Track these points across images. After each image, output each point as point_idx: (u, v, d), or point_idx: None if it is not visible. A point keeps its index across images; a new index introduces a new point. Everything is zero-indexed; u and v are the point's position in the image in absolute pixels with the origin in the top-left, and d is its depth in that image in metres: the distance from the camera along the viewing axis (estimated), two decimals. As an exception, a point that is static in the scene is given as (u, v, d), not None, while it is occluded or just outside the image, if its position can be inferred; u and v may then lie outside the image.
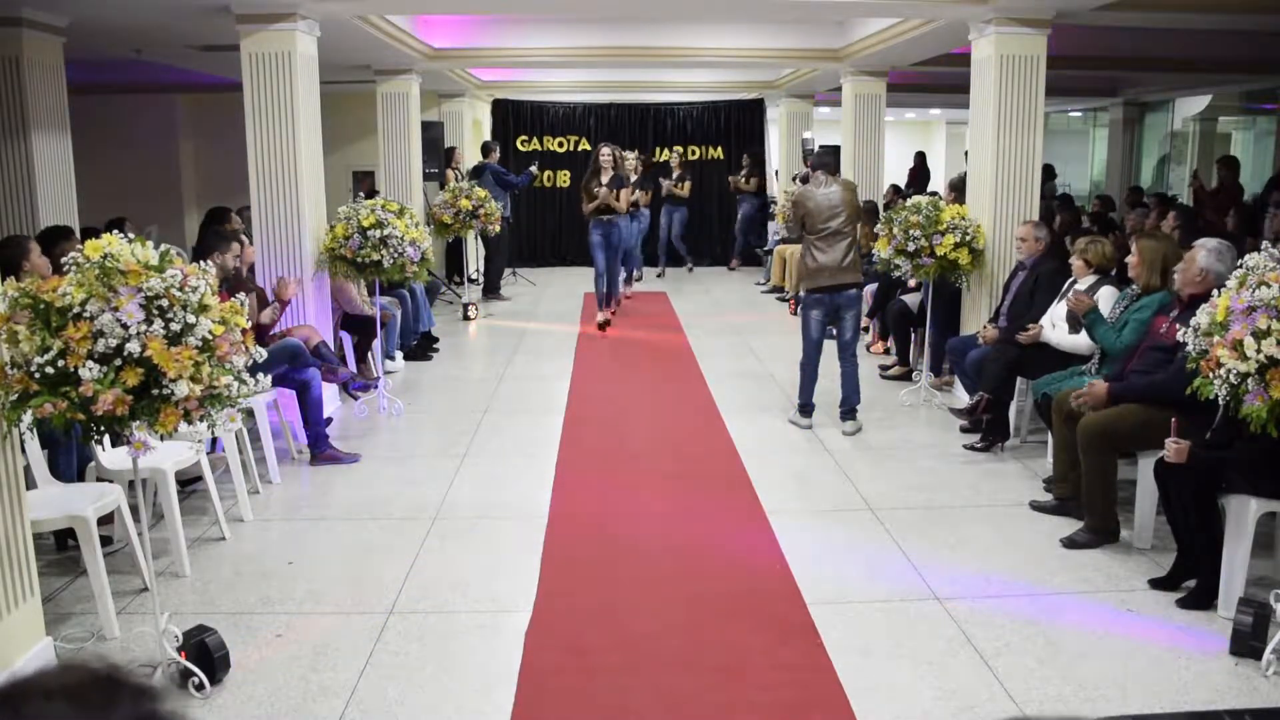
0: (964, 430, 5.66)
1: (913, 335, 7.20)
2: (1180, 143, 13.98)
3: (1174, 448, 3.46)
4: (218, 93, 10.44)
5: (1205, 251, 3.89)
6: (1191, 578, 3.60)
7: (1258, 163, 12.68)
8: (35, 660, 3.04)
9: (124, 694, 0.52)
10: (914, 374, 6.89)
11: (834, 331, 5.88)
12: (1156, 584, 3.68)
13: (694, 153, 14.05)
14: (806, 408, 5.92)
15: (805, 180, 6.03)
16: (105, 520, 3.78)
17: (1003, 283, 6.06)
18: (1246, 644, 3.12)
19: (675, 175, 12.65)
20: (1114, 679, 3.04)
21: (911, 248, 5.89)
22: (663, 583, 3.78)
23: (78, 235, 5.28)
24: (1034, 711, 2.87)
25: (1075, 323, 4.92)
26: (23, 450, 3.23)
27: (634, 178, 10.07)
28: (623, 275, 10.20)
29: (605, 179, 8.77)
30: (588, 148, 13.12)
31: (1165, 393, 3.85)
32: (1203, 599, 3.49)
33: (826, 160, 5.94)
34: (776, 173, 13.55)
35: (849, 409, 5.82)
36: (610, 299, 9.24)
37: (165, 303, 2.80)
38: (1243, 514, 3.38)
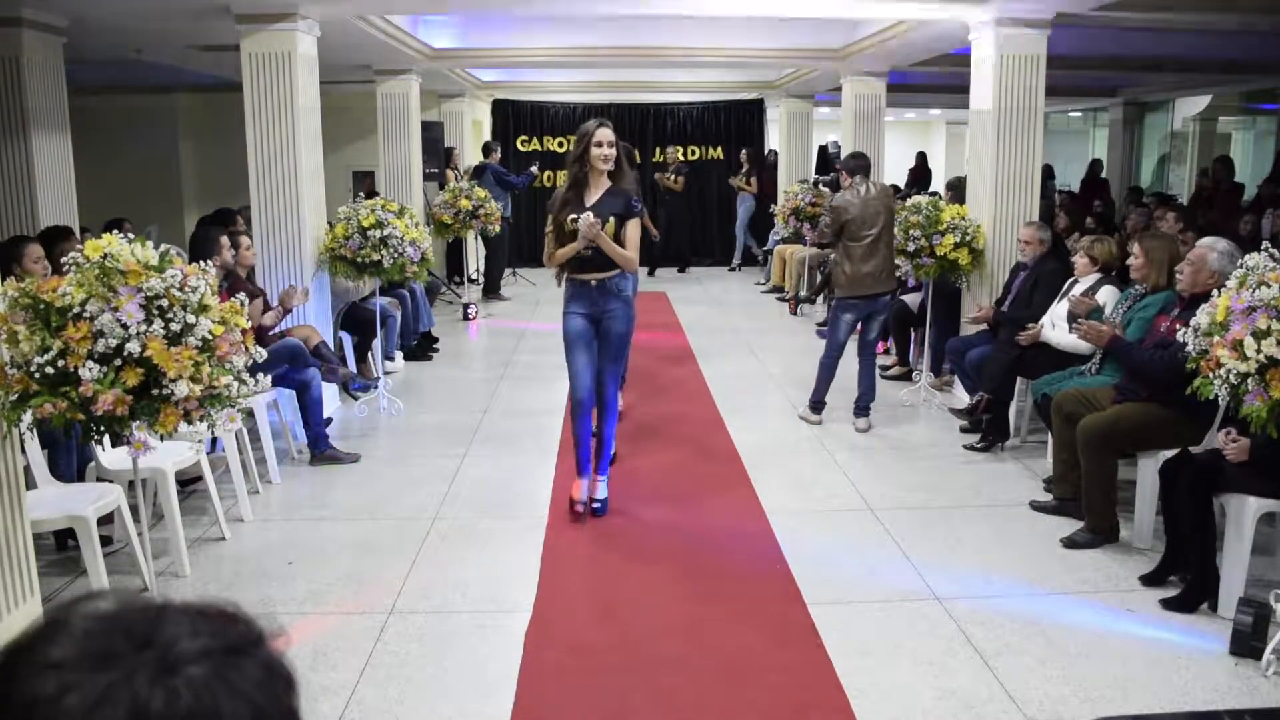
0: (964, 430, 5.66)
1: (913, 335, 7.20)
2: (1180, 143, 13.98)
3: (1233, 447, 3.36)
4: (218, 93, 10.44)
5: (1217, 254, 3.87)
6: (1176, 572, 3.62)
7: (1258, 163, 12.68)
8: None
9: (241, 624, 0.67)
10: (914, 374, 6.89)
11: (857, 329, 5.91)
12: (1146, 580, 3.69)
13: (694, 153, 14.06)
14: (820, 405, 5.96)
15: (832, 185, 5.94)
16: (105, 520, 3.78)
17: (1003, 283, 6.06)
18: (1246, 644, 3.12)
19: (671, 169, 12.62)
20: (1114, 679, 3.04)
21: (911, 248, 5.89)
22: (663, 583, 3.78)
23: (77, 235, 5.28)
24: (1034, 711, 2.87)
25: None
26: (23, 450, 3.23)
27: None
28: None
29: (592, 198, 4.29)
30: None
31: (1158, 375, 3.89)
32: (1191, 599, 3.48)
33: (863, 164, 5.85)
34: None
35: (864, 406, 5.85)
36: (599, 455, 4.49)
37: (165, 303, 2.80)
38: (1242, 514, 3.38)
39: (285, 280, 5.94)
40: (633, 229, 4.28)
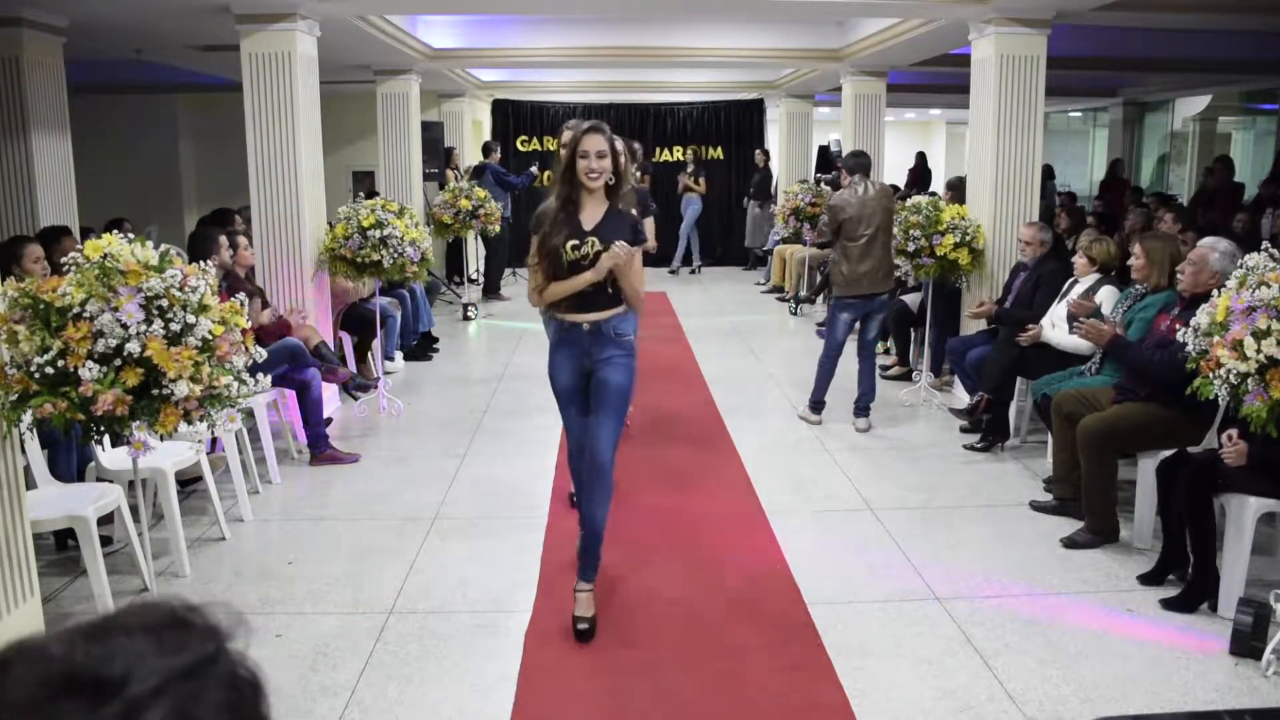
0: (964, 430, 5.66)
1: (913, 335, 7.20)
2: (1180, 143, 13.98)
3: (1231, 451, 3.35)
4: (218, 93, 10.44)
5: (1218, 255, 3.87)
6: (1173, 571, 3.63)
7: (1258, 163, 12.67)
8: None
9: (195, 633, 0.62)
10: (914, 374, 6.89)
11: (855, 329, 5.91)
12: (1145, 580, 3.69)
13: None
14: (819, 405, 5.96)
15: (834, 184, 5.91)
16: (105, 520, 3.78)
17: (1003, 283, 6.07)
18: (1246, 644, 3.12)
19: (637, 168, 12.49)
20: (1114, 679, 3.04)
21: (911, 248, 5.89)
22: (663, 583, 3.78)
23: (77, 235, 5.28)
24: (1034, 711, 2.87)
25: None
26: (23, 450, 3.23)
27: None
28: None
29: (592, 220, 3.34)
30: None
31: (1158, 375, 3.89)
32: (1191, 599, 3.48)
33: (863, 163, 5.83)
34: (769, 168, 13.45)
35: (864, 406, 5.85)
36: (584, 550, 3.48)
37: (165, 303, 2.80)
38: (1242, 514, 3.38)
39: (285, 280, 5.95)
40: (636, 259, 3.34)
